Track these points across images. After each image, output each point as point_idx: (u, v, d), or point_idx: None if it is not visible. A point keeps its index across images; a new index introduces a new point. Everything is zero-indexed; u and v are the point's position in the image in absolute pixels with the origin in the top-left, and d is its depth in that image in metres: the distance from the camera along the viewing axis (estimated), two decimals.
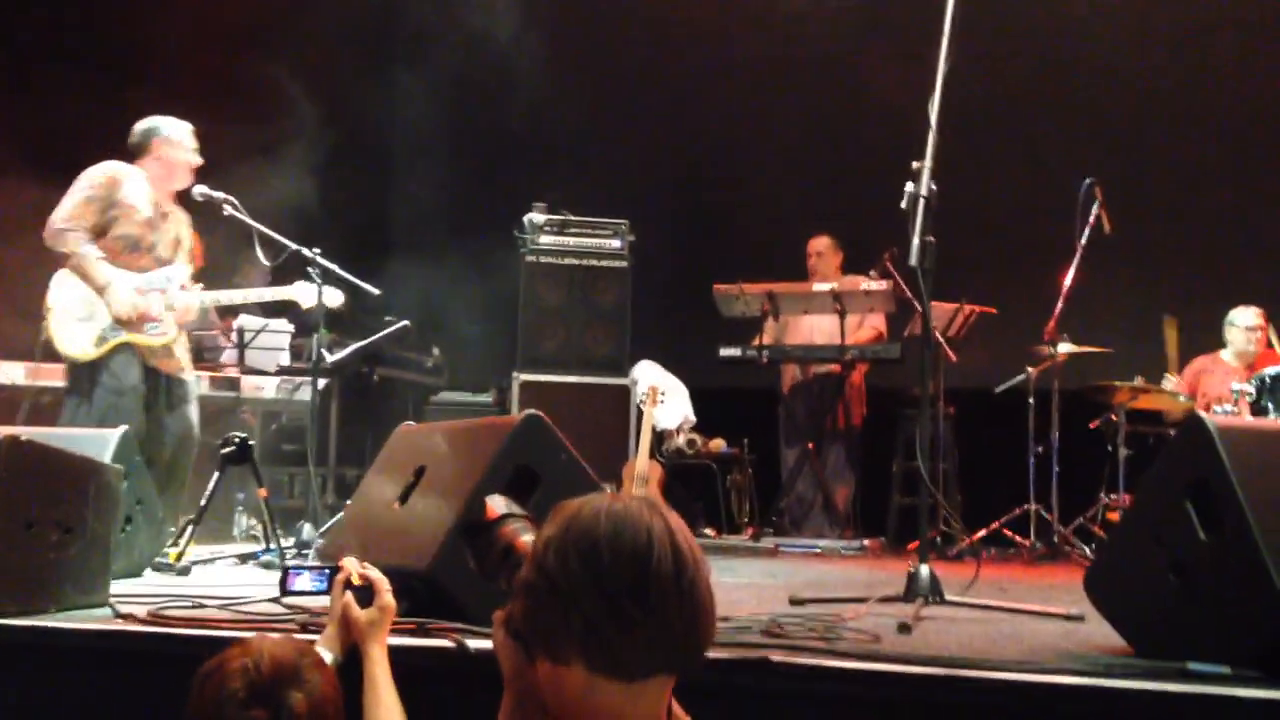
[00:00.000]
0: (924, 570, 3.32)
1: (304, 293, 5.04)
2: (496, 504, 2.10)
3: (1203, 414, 2.48)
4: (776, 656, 2.29)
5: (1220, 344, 6.72)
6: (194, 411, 4.90)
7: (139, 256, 4.77)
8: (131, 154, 4.89)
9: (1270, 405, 5.06)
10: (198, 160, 4.96)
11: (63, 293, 4.66)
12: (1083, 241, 6.01)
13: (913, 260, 3.34)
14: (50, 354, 4.98)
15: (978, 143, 7.30)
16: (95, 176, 4.72)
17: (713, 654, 2.30)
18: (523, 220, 6.56)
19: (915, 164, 3.34)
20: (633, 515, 1.53)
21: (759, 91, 8.31)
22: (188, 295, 4.87)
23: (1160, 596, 2.44)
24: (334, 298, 5.05)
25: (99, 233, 4.69)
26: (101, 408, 4.59)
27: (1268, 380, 4.92)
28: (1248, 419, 4.94)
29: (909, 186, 3.43)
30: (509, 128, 8.21)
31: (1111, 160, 7.19)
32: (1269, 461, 2.39)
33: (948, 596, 3.31)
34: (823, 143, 8.12)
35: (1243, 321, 6.55)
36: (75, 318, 4.64)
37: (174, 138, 4.89)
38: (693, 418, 7.23)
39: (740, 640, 2.50)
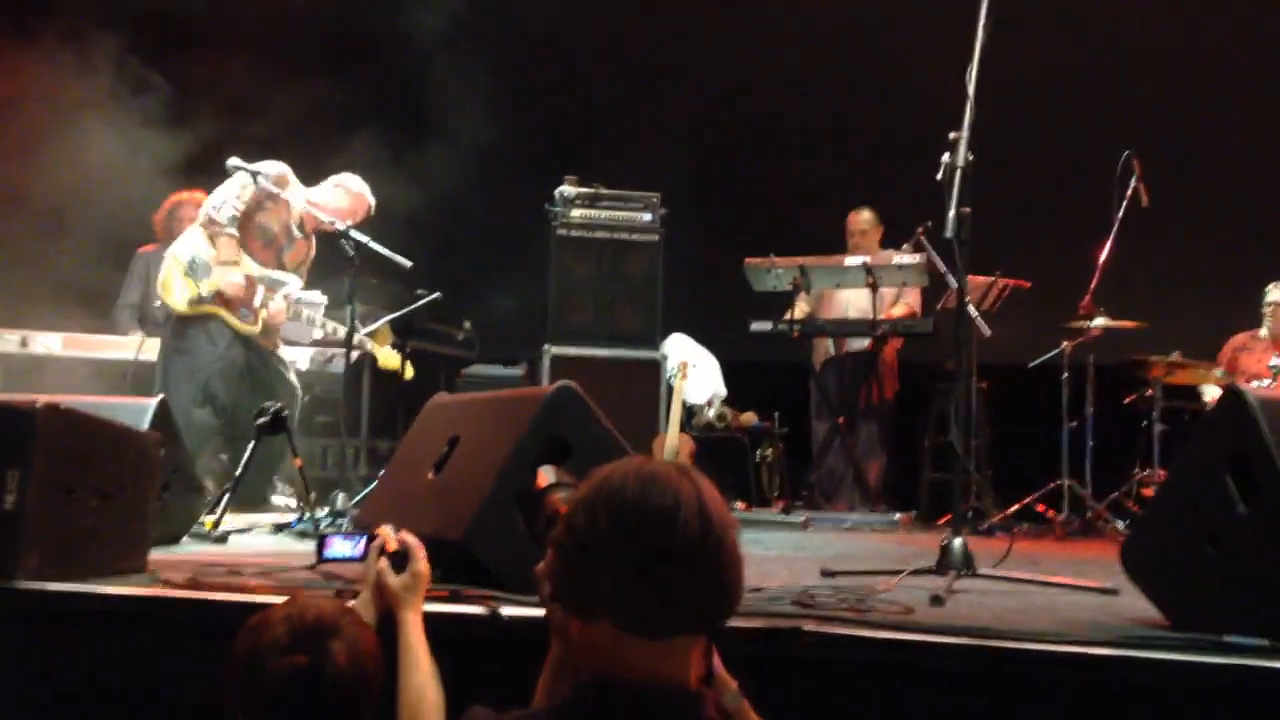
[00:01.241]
0: (957, 543, 3.31)
1: (387, 357, 5.56)
2: (547, 473, 2.16)
3: (1242, 386, 2.45)
4: (809, 626, 2.30)
5: (1259, 321, 6.63)
6: (292, 377, 5.36)
7: (267, 251, 5.23)
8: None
9: None
10: (351, 221, 5.28)
11: (185, 248, 5.11)
12: (1119, 214, 5.94)
13: (948, 231, 3.31)
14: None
15: (1014, 114, 7.22)
16: (269, 169, 5.15)
17: (745, 623, 2.32)
18: (554, 193, 6.55)
19: (952, 135, 3.31)
20: (661, 477, 1.57)
21: (793, 61, 8.24)
22: (283, 304, 5.25)
23: (1197, 569, 2.43)
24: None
25: (246, 215, 5.14)
26: (189, 364, 5.06)
27: None
28: None
29: (945, 157, 3.41)
30: (541, 100, 8.20)
31: (1150, 132, 7.09)
32: None
33: (980, 570, 3.30)
34: (858, 114, 8.05)
35: (1271, 298, 6.45)
36: (182, 273, 5.07)
37: (353, 190, 5.43)
38: (724, 391, 7.22)
39: (772, 610, 2.50)
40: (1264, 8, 7.57)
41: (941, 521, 5.87)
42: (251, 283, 5.14)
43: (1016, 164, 7.16)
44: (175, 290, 5.08)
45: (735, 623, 2.33)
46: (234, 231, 5.10)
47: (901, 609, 2.62)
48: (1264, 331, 6.54)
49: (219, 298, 5.07)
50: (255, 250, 5.21)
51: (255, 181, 5.08)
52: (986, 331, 5.94)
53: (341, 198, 5.38)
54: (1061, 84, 7.81)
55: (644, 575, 1.52)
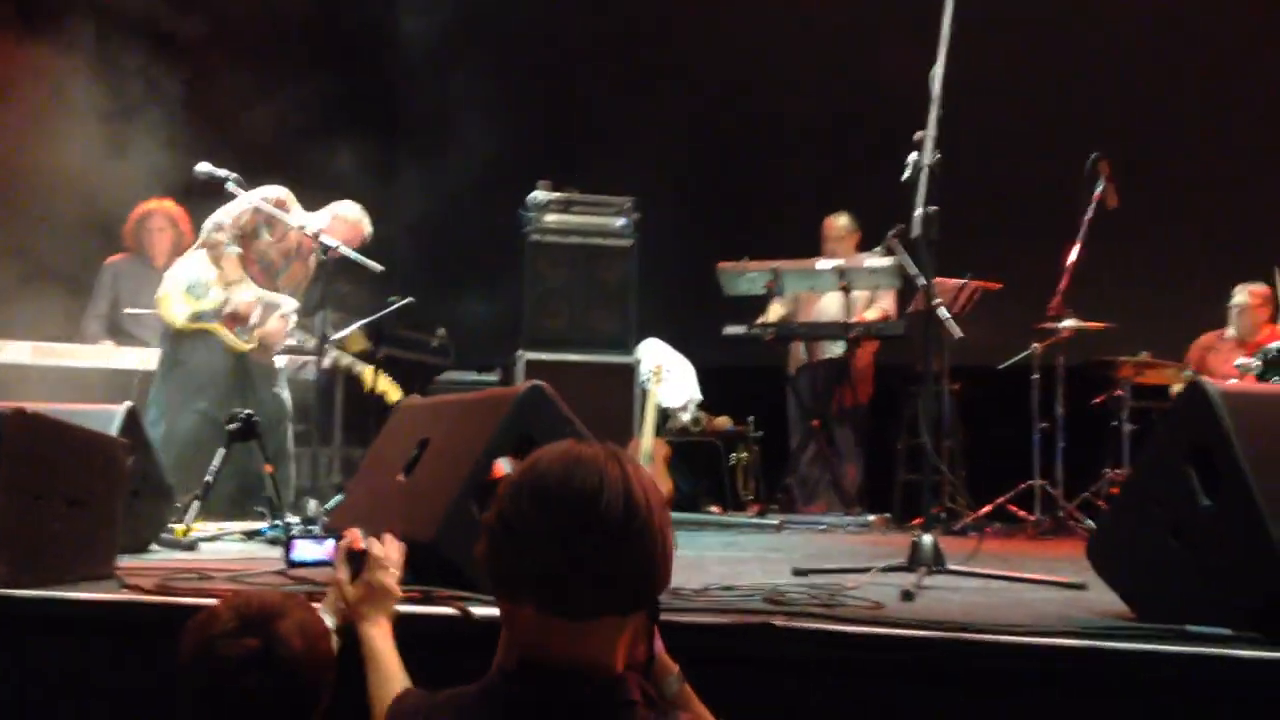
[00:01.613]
0: (927, 540, 3.33)
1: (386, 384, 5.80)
2: (503, 464, 2.15)
3: (1203, 380, 2.48)
4: (779, 621, 2.31)
5: (1226, 321, 6.70)
6: (285, 393, 5.45)
7: (264, 276, 5.32)
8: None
9: (1277, 379, 5.05)
10: (345, 251, 5.22)
11: (185, 271, 5.20)
12: (1088, 216, 6.00)
13: (915, 231, 3.34)
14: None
15: (983, 115, 7.28)
16: (269, 193, 5.20)
17: (715, 620, 2.32)
18: (526, 199, 6.55)
19: (918, 134, 3.34)
20: (587, 459, 1.57)
21: (768, 66, 8.28)
22: (280, 323, 5.33)
23: (1161, 561, 2.45)
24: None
25: (245, 237, 5.22)
26: (186, 375, 5.14)
27: (1272, 354, 4.90)
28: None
29: (912, 157, 3.43)
30: (514, 103, 8.21)
31: (1118, 133, 7.17)
32: (1269, 425, 2.40)
33: (950, 566, 3.32)
34: (832, 119, 8.09)
35: (1235, 300, 6.54)
36: (183, 290, 5.16)
37: (349, 218, 5.46)
38: (698, 396, 7.24)
39: (743, 606, 2.51)
40: (1228, 12, 7.67)
41: (914, 523, 5.89)
42: (257, 302, 5.24)
43: (986, 166, 7.22)
44: (174, 305, 5.15)
45: (705, 619, 2.36)
46: (237, 249, 5.19)
47: (871, 604, 2.64)
48: (1231, 332, 6.62)
49: (228, 318, 5.18)
50: (253, 273, 5.27)
51: (255, 205, 5.10)
52: (958, 333, 5.96)
53: (339, 226, 5.40)
54: (1030, 85, 7.88)
55: (565, 555, 1.52)
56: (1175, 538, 2.42)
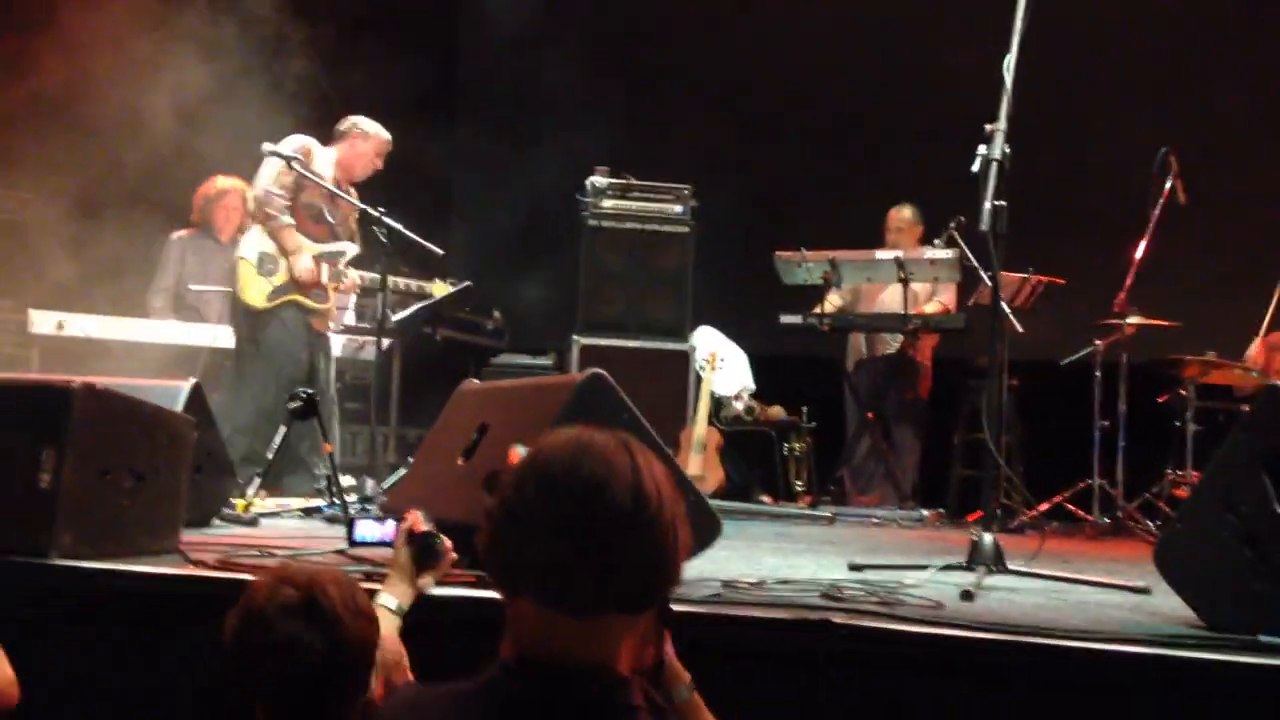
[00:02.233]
0: (987, 539, 3.28)
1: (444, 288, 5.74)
2: (518, 450, 2.12)
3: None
4: (838, 619, 2.29)
5: None
6: (331, 367, 5.59)
7: (320, 226, 5.37)
8: (328, 137, 5.48)
9: None
10: (378, 165, 5.51)
11: (250, 248, 5.30)
12: (1156, 212, 5.87)
13: (983, 224, 3.28)
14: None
15: (1051, 108, 7.16)
16: (295, 144, 5.23)
17: (772, 614, 2.31)
18: (585, 183, 6.54)
19: (989, 126, 3.28)
20: (597, 447, 1.49)
21: (825, 53, 8.19)
22: (351, 272, 5.47)
23: (1232, 569, 2.40)
24: None
25: (292, 197, 5.29)
26: (267, 354, 5.26)
27: None
28: None
29: (981, 149, 3.37)
30: (573, 89, 8.20)
31: (1189, 129, 7.00)
32: None
33: (1011, 566, 3.27)
34: (891, 107, 8.00)
35: None
36: (257, 271, 5.26)
37: (370, 132, 5.50)
38: (752, 385, 7.20)
39: (800, 602, 2.50)
40: None
41: (971, 519, 5.83)
42: (317, 263, 5.32)
43: (1053, 159, 7.10)
44: (253, 288, 5.26)
45: (762, 613, 2.34)
46: (290, 220, 5.28)
47: (931, 604, 2.61)
48: None
49: (296, 285, 5.28)
50: (308, 228, 5.36)
51: (289, 164, 5.14)
52: (1019, 328, 5.89)
53: (361, 145, 5.47)
54: (1099, 78, 7.73)
55: (569, 545, 1.44)
56: (1249, 545, 2.37)
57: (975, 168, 3.29)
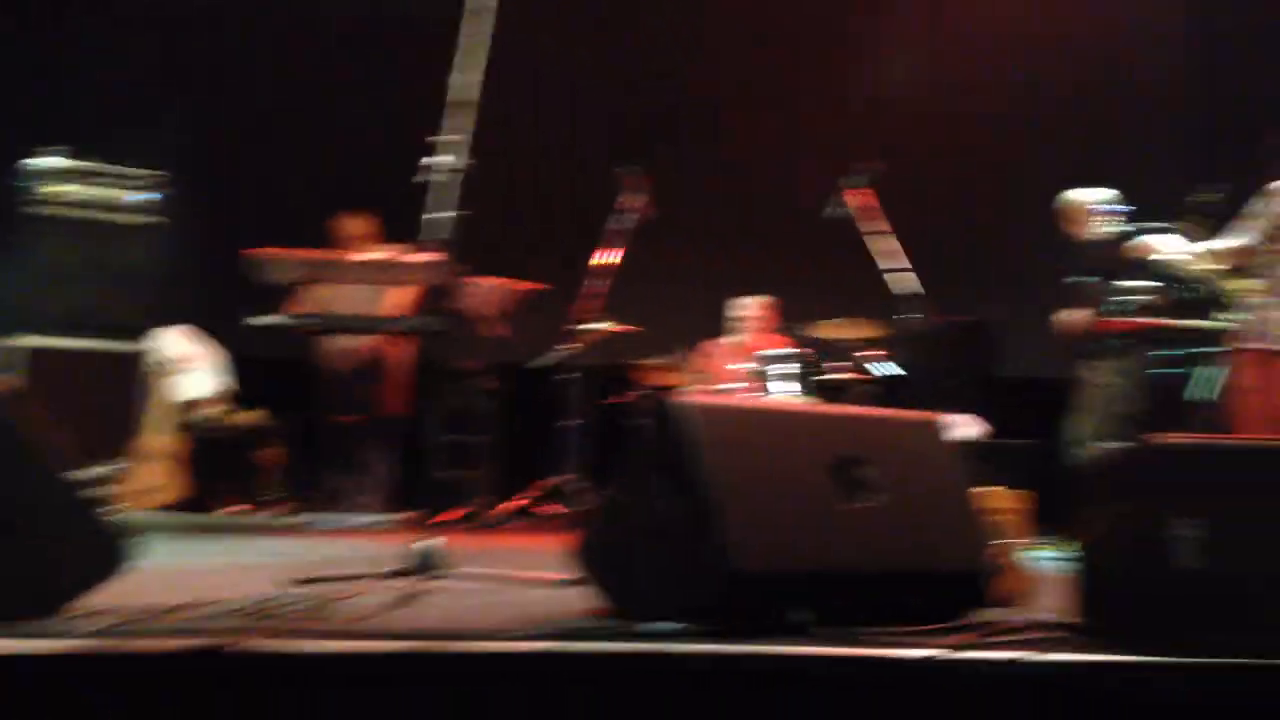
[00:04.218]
0: (431, 543, 3.34)
1: None
2: None
3: (672, 397, 2.67)
4: (246, 644, 2.17)
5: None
6: None
7: None
8: None
9: (766, 380, 5.62)
10: None
11: None
12: (619, 225, 6.34)
13: (434, 233, 3.34)
14: None
15: (522, 127, 7.45)
16: None
17: (159, 646, 2.13)
18: (23, 165, 5.85)
19: (429, 138, 3.35)
20: None
21: (294, 54, 7.93)
22: None
23: (632, 561, 2.61)
24: None
25: None
26: None
27: (762, 359, 5.46)
28: (730, 397, 5.45)
29: (434, 160, 3.43)
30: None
31: (659, 143, 7.60)
32: (733, 437, 2.62)
33: (459, 569, 3.35)
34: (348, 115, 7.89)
35: (739, 311, 7.18)
36: None
37: None
38: (225, 388, 6.83)
39: (212, 627, 2.35)
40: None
41: (441, 519, 5.93)
42: None
43: (537, 173, 7.43)
44: None
45: (156, 645, 2.15)
46: None
47: (360, 615, 2.58)
48: (732, 338, 7.22)
49: None
50: None
51: None
52: (495, 332, 6.09)
53: None
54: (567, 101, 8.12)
55: None
56: (645, 539, 2.59)
57: (419, 178, 3.34)
